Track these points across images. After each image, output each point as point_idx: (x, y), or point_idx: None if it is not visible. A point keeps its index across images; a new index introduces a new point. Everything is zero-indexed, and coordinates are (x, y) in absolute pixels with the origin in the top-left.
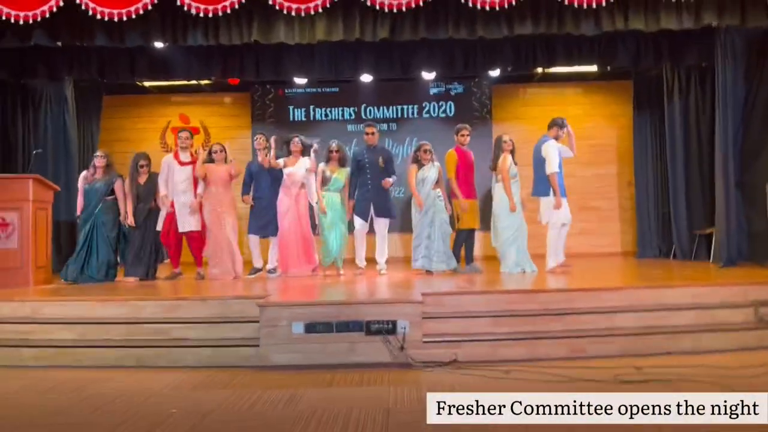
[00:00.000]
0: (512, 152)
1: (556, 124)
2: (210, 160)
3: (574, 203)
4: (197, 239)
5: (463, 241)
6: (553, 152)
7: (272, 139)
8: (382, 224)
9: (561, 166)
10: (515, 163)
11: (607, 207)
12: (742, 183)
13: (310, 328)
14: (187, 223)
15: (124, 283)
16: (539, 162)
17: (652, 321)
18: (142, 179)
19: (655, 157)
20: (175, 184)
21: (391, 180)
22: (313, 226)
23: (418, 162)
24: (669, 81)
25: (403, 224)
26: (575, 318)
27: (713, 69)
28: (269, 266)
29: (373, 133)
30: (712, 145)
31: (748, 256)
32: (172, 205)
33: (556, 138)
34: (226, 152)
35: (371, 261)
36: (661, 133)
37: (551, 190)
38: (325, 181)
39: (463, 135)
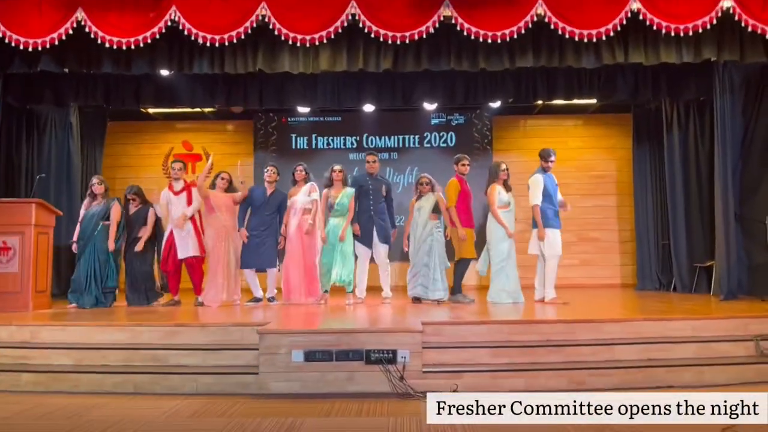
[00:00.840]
0: (506, 181)
1: (540, 156)
2: (212, 185)
3: (573, 234)
4: (196, 266)
5: (464, 271)
6: (534, 184)
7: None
8: (383, 251)
9: (553, 197)
10: (508, 190)
11: (607, 238)
12: (741, 216)
13: (310, 356)
14: (186, 250)
15: (116, 308)
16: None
17: (653, 353)
18: (131, 210)
19: (654, 189)
20: (172, 213)
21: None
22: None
23: (417, 194)
24: (668, 114)
25: (403, 253)
26: (575, 349)
27: (712, 102)
28: (268, 294)
29: (374, 161)
30: (712, 178)
31: (749, 289)
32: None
33: (544, 170)
34: (231, 183)
35: (371, 290)
36: (661, 165)
37: (553, 222)
38: (329, 207)
39: (463, 165)
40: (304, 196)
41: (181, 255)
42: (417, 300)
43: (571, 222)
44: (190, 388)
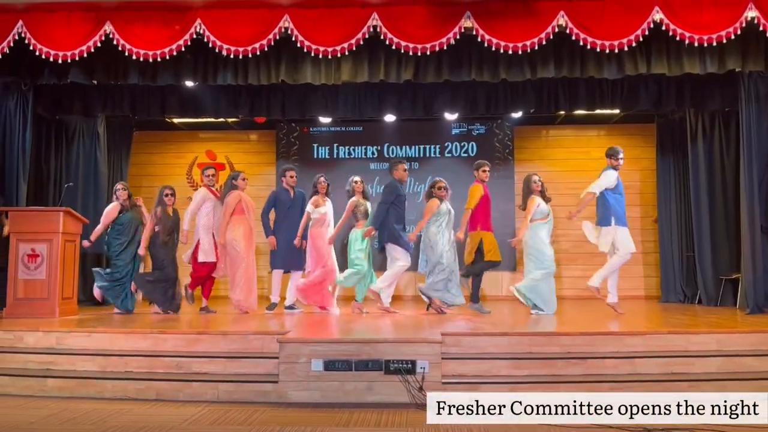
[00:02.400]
0: (542, 192)
1: (608, 155)
2: (233, 186)
3: (595, 245)
4: (210, 271)
5: (483, 273)
6: (603, 176)
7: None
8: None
9: (616, 195)
10: (547, 201)
11: None
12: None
13: (329, 365)
14: (207, 254)
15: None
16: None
17: (675, 367)
18: (168, 211)
19: (678, 200)
20: (209, 217)
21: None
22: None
23: (437, 197)
24: (692, 124)
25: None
26: (597, 362)
27: (737, 113)
28: (287, 302)
29: (406, 170)
30: (737, 189)
31: None
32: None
33: (614, 168)
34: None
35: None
36: (685, 176)
37: (612, 219)
38: (363, 215)
39: (484, 171)
40: (331, 209)
41: (203, 258)
42: (439, 310)
43: None
44: (211, 395)
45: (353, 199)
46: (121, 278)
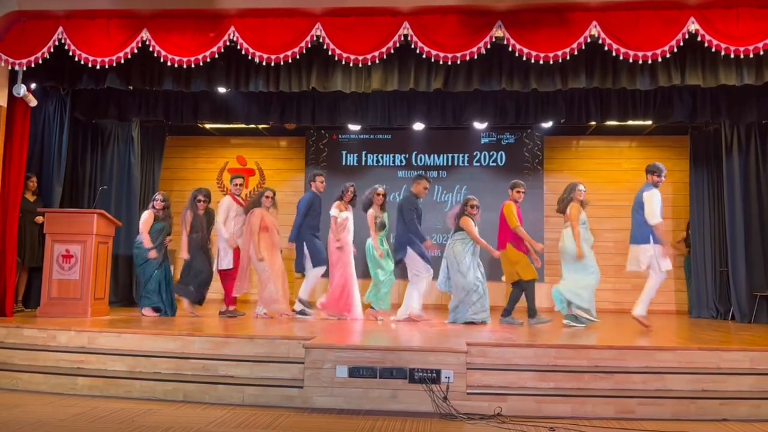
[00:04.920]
0: (583, 203)
1: (651, 171)
2: (258, 203)
3: (626, 258)
4: (232, 278)
5: (521, 294)
6: (652, 201)
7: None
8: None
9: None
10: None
11: None
12: None
13: (354, 372)
14: (223, 262)
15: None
16: (638, 209)
17: (707, 384)
18: (200, 210)
19: (712, 213)
20: (236, 225)
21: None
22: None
23: (469, 215)
24: (728, 137)
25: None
26: (625, 377)
27: None
28: (297, 308)
29: (426, 188)
30: None
31: None
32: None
33: (655, 185)
34: (273, 199)
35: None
36: (719, 189)
37: (651, 237)
38: (381, 226)
39: (518, 192)
40: (351, 214)
41: (222, 266)
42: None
43: (624, 245)
44: (237, 398)
45: (371, 211)
46: (155, 286)
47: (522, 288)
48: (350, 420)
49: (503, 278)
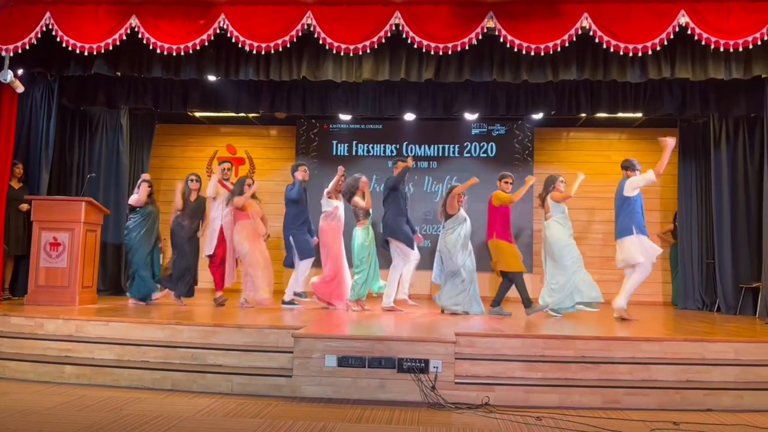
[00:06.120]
0: (561, 192)
1: (625, 167)
2: (241, 191)
3: (614, 249)
4: (215, 264)
5: (510, 286)
6: (634, 180)
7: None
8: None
9: (639, 205)
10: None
11: None
12: None
13: (343, 361)
14: (207, 247)
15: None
16: (619, 204)
17: (692, 375)
18: (192, 197)
19: (700, 206)
20: (221, 209)
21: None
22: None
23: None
24: (716, 130)
25: (430, 262)
26: (611, 367)
27: (762, 119)
28: (286, 298)
29: (398, 167)
30: (760, 197)
31: None
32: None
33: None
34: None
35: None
36: (707, 182)
37: (632, 228)
38: (365, 215)
39: (506, 182)
40: (341, 203)
41: (207, 252)
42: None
43: (612, 237)
44: (225, 387)
45: (355, 199)
46: (143, 273)
47: (510, 280)
48: (339, 409)
49: (491, 263)
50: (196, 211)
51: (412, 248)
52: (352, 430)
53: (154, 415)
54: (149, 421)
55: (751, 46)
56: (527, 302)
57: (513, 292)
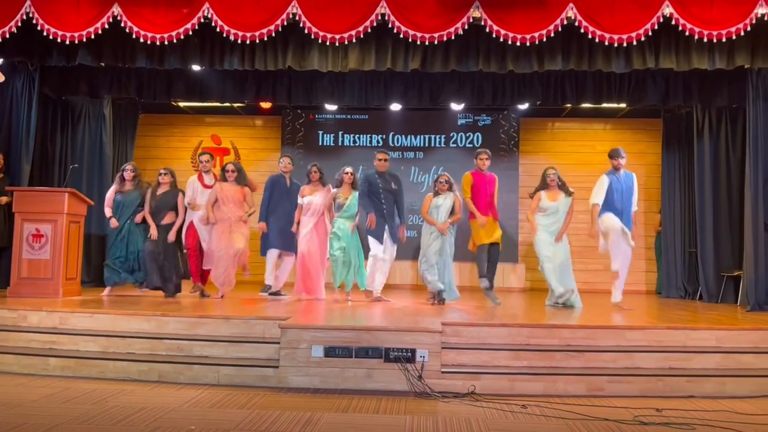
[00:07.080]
0: (561, 186)
1: (611, 156)
2: (223, 178)
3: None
4: (192, 256)
5: (483, 257)
6: (597, 185)
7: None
8: (392, 250)
9: (617, 197)
10: (568, 194)
11: None
12: None
13: (330, 352)
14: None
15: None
16: (628, 196)
17: (674, 363)
18: (161, 190)
19: (683, 195)
20: (199, 204)
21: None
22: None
23: (435, 191)
24: (699, 120)
25: (413, 252)
26: (595, 356)
27: (744, 110)
28: (273, 288)
29: (385, 160)
30: (742, 187)
31: None
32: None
33: (616, 168)
34: (239, 173)
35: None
36: (690, 171)
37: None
38: (338, 207)
39: (481, 159)
40: (320, 199)
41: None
42: (434, 294)
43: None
44: (212, 378)
45: (334, 190)
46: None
47: (480, 254)
48: (326, 399)
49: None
50: (163, 204)
51: (380, 242)
52: (339, 419)
53: (140, 406)
54: (135, 412)
55: (734, 37)
56: (480, 273)
57: (499, 282)
